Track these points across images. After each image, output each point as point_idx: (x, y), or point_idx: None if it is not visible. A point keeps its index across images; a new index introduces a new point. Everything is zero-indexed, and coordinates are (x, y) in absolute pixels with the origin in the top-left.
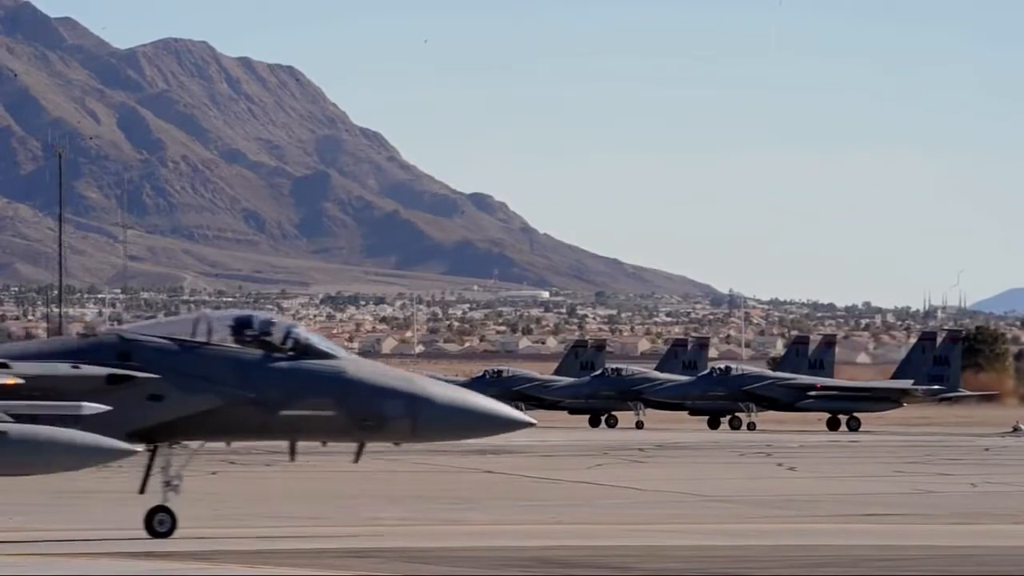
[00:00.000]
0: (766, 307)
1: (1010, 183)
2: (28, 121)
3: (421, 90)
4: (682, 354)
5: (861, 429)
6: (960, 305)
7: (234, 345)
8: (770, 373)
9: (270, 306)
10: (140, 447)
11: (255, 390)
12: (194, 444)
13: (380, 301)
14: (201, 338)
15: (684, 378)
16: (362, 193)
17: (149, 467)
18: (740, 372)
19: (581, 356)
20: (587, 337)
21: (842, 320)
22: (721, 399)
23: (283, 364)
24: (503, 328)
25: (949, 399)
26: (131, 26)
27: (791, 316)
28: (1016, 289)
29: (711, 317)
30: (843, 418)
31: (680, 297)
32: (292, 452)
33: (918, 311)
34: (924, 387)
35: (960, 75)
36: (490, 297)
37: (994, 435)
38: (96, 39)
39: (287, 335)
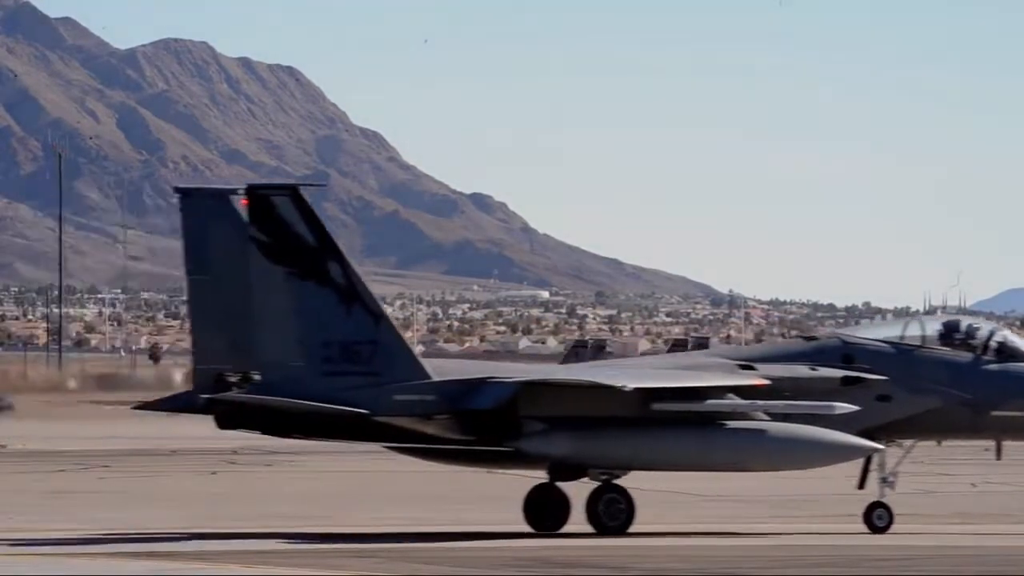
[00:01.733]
0: (766, 307)
1: (1010, 183)
2: (28, 121)
3: (421, 90)
4: None
5: None
6: (960, 305)
7: (945, 348)
8: None
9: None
10: (882, 445)
11: (969, 391)
12: (907, 442)
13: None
14: (914, 341)
15: None
16: (362, 193)
17: (867, 464)
18: None
19: (582, 356)
20: (587, 337)
21: (842, 320)
22: None
23: (993, 366)
24: (503, 328)
25: None
26: (131, 26)
27: (791, 316)
28: (1016, 289)
29: (711, 317)
30: None
31: (680, 297)
32: (998, 451)
33: (918, 311)
34: None
35: (960, 75)
36: (490, 297)
37: None
38: (96, 39)
39: (993, 338)
